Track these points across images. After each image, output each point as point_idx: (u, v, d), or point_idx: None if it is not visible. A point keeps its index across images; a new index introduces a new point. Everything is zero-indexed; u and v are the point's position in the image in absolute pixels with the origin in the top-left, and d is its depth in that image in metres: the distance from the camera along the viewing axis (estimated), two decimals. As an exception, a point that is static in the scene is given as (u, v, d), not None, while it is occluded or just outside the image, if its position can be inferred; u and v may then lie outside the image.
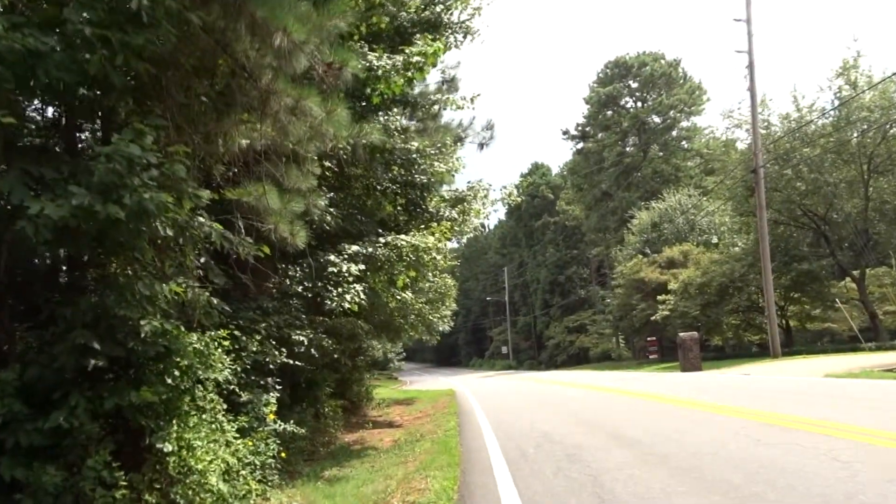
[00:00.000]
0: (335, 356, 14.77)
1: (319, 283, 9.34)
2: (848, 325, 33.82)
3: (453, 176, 12.10)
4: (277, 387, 8.49)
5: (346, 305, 9.01)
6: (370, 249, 9.82)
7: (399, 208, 11.92)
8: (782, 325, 32.35)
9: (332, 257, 9.44)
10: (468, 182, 12.62)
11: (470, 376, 51.44)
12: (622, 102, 56.00)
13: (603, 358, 56.03)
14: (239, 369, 7.66)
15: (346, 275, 9.34)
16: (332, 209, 9.59)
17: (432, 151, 11.41)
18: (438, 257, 10.18)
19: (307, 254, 9.83)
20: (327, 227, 9.60)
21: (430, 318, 16.95)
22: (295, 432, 8.36)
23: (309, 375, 12.24)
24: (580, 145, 60.10)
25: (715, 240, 39.86)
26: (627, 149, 55.12)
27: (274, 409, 8.07)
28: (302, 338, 8.92)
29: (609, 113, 56.38)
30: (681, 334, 24.12)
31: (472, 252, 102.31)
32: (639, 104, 55.41)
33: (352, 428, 15.42)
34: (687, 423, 8.87)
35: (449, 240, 10.85)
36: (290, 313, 9.12)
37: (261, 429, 7.82)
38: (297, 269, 9.51)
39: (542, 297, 71.70)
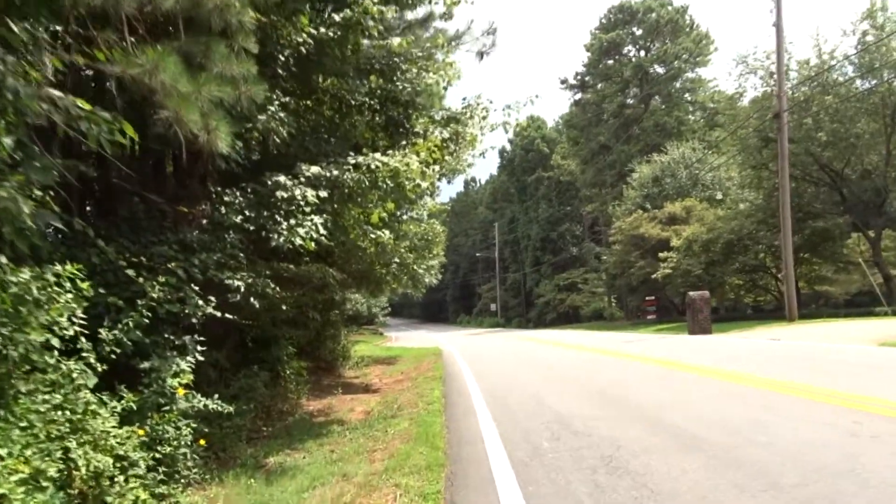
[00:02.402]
0: (299, 309, 12.62)
1: (265, 213, 7.04)
2: (848, 289, 32.00)
3: (445, 90, 9.69)
4: (199, 348, 6.24)
5: (298, 242, 6.72)
6: (335, 172, 7.50)
7: (378, 130, 9.55)
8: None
9: (282, 179, 7.11)
10: (463, 99, 10.20)
11: (457, 333, 49.54)
12: (625, 51, 53.03)
13: (594, 317, 54.34)
14: (132, 324, 5.41)
15: (301, 202, 7.03)
16: (284, 116, 7.22)
17: (419, 54, 8.98)
18: (424, 184, 7.85)
19: (250, 175, 7.51)
20: (278, 142, 7.24)
21: (415, 268, 14.71)
22: (221, 410, 6.14)
23: (259, 333, 10.03)
24: (578, 96, 57.27)
25: (720, 195, 37.64)
26: (628, 100, 52.37)
27: (187, 379, 5.84)
28: (238, 283, 6.63)
29: (610, 62, 53.47)
30: (690, 293, 22.06)
31: (463, 207, 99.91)
32: (642, 53, 52.47)
33: (321, 392, 13.29)
34: (761, 410, 6.54)
35: (437, 162, 8.52)
36: (224, 251, 6.82)
37: (167, 408, 5.60)
38: (237, 194, 7.18)
39: (532, 254, 69.81)
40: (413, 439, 6.53)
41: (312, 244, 6.91)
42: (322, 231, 7.08)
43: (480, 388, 10.16)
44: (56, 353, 4.54)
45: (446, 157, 9.85)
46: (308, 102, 8.97)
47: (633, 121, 51.03)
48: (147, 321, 5.60)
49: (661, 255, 31.91)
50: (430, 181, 8.27)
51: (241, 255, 6.90)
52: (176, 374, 5.70)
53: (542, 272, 67.15)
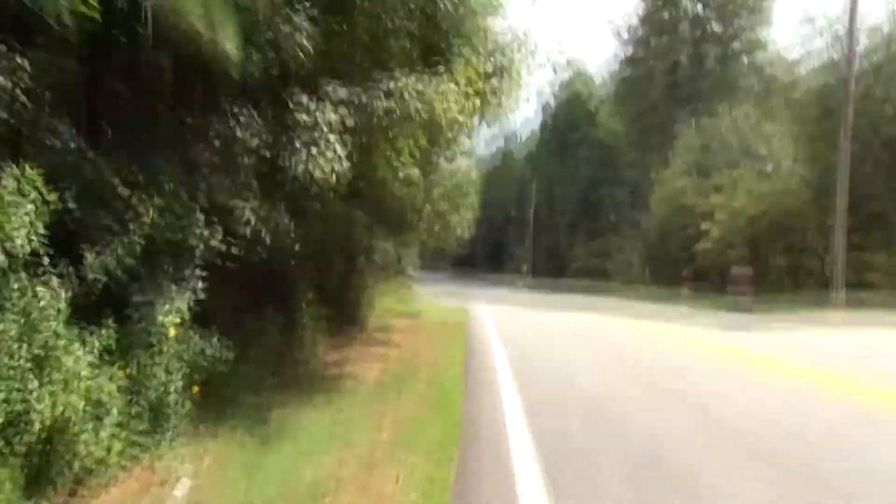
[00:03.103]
0: (322, 249, 11.93)
1: (283, 137, 6.24)
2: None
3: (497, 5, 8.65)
4: (202, 285, 5.54)
5: (318, 174, 5.93)
6: (364, 98, 6.64)
7: (415, 57, 8.61)
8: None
9: (304, 99, 6.28)
10: (509, 29, 9.14)
11: (487, 291, 48.81)
12: (682, 3, 50.34)
13: (627, 287, 53.07)
14: (121, 251, 4.71)
15: (325, 129, 6.21)
16: (310, 27, 6.35)
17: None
18: (461, 118, 6.96)
19: (267, 92, 6.69)
20: (302, 58, 6.38)
21: (448, 217, 13.89)
22: (216, 356, 5.47)
23: (278, 272, 9.34)
24: (630, 50, 54.87)
25: (770, 167, 35.85)
26: (682, 58, 49.97)
27: (182, 318, 5.15)
28: (249, 215, 5.88)
29: (665, 16, 50.91)
30: (734, 269, 20.93)
31: (501, 163, 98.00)
32: (699, 7, 49.79)
33: (340, 342, 12.64)
34: None
35: (479, 95, 7.58)
36: (237, 176, 6.06)
37: (157, 347, 4.93)
38: (254, 112, 6.37)
39: (569, 216, 68.23)
40: (428, 406, 5.81)
41: (334, 178, 6.11)
42: (346, 163, 6.27)
43: (505, 348, 9.36)
44: (22, 274, 3.86)
45: (489, 94, 8.89)
46: (339, 22, 8.06)
47: (686, 81, 48.79)
48: (140, 247, 4.91)
49: (703, 226, 30.59)
50: (468, 115, 7.34)
51: (255, 182, 6.12)
52: (169, 312, 5.00)
53: (576, 237, 65.71)
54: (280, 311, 9.72)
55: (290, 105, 6.34)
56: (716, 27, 49.48)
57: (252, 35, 5.90)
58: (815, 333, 14.00)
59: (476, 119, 8.61)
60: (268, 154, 6.20)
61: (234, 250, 5.90)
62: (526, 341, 11.03)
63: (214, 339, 5.50)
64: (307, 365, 9.52)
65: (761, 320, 17.37)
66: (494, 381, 7.27)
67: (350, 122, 6.48)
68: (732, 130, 38.02)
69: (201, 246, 5.45)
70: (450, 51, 8.61)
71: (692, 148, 39.22)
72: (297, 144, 6.16)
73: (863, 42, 27.02)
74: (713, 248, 29.60)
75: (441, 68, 7.32)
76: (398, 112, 6.64)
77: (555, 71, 12.55)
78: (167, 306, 5.00)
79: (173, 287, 5.21)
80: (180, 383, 5.06)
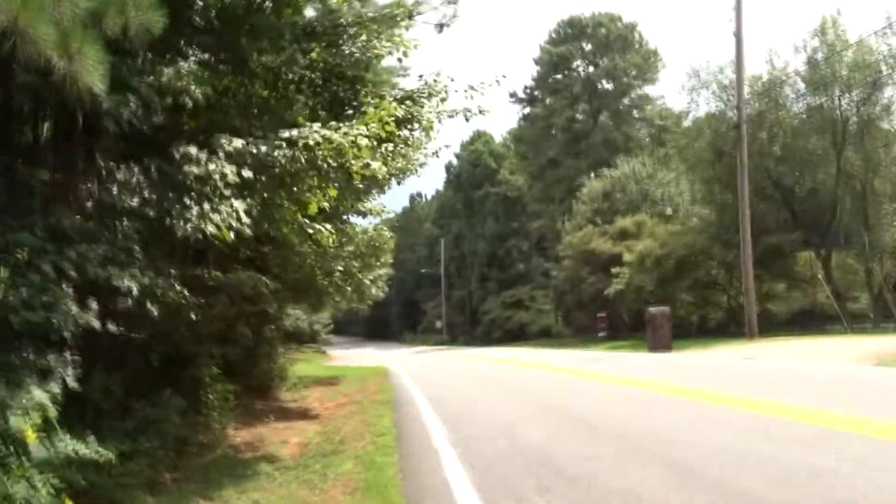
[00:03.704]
0: (227, 323, 10.98)
1: (171, 195, 5.45)
2: (792, 307, 31.54)
3: (400, 61, 8.24)
4: (70, 371, 4.60)
5: (211, 230, 5.17)
6: (264, 148, 5.96)
7: (319, 110, 8.04)
8: (739, 303, 29.99)
9: (193, 151, 5.55)
10: (420, 76, 8.74)
11: (403, 351, 47.92)
12: (574, 65, 52.77)
13: (542, 335, 53.36)
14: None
15: (218, 182, 5.48)
16: (201, 72, 5.67)
17: (371, 15, 7.51)
18: (374, 164, 6.37)
19: (153, 148, 5.91)
20: (189, 103, 5.68)
21: (361, 278, 13.18)
22: (94, 458, 4.51)
23: (175, 350, 8.34)
24: (527, 110, 56.78)
25: (669, 211, 37.24)
26: (577, 115, 52.03)
27: (47, 415, 4.20)
28: (129, 284, 5.01)
29: (559, 76, 53.15)
30: (650, 309, 21.15)
31: (408, 222, 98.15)
32: (591, 68, 52.30)
33: (252, 419, 11.54)
34: (812, 451, 5.15)
35: (391, 139, 7.03)
36: (114, 243, 5.20)
37: (9, 459, 3.96)
38: (135, 169, 5.56)
39: (479, 270, 68.92)
40: (360, 489, 5.00)
41: (231, 235, 5.36)
42: (245, 219, 5.54)
43: (439, 418, 8.63)
44: None
45: (400, 144, 8.40)
46: (234, 72, 7.41)
47: (581, 136, 50.69)
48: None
49: (613, 270, 31.14)
50: (381, 163, 6.77)
51: (137, 248, 5.27)
52: (27, 411, 4.05)
53: (488, 289, 66.17)
54: (179, 391, 8.65)
55: (178, 158, 5.59)
56: (606, 85, 52.00)
57: (129, 79, 5.16)
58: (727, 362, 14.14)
59: (388, 169, 8.04)
60: (151, 214, 5.38)
61: (115, 328, 4.99)
62: (453, 400, 10.36)
63: (91, 438, 4.54)
64: (215, 451, 8.45)
65: (677, 356, 17.45)
66: (430, 447, 6.53)
67: (248, 174, 5.77)
68: (631, 179, 39.46)
69: (71, 326, 4.54)
70: (356, 99, 8.12)
71: (594, 197, 40.35)
72: (188, 202, 5.39)
73: (746, 90, 28.72)
74: (625, 291, 30.09)
75: (350, 112, 6.76)
76: (302, 162, 5.99)
77: (466, 119, 12.20)
78: (25, 404, 4.06)
79: (34, 379, 4.27)
80: (48, 498, 4.08)
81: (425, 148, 11.00)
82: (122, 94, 5.03)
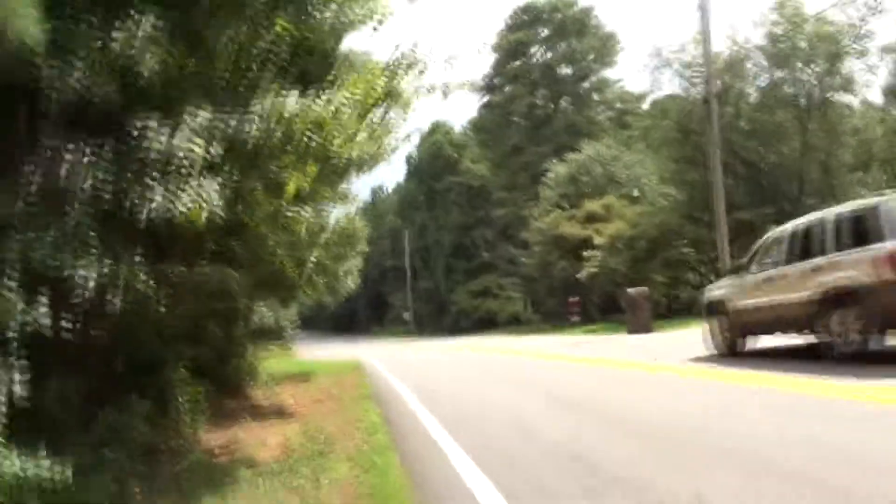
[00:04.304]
0: (195, 322, 10.31)
1: (129, 174, 4.82)
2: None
3: (375, 29, 7.62)
4: (17, 378, 3.96)
5: (181, 210, 4.56)
6: (234, 122, 5.35)
7: (289, 88, 7.40)
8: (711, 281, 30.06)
9: (153, 124, 4.91)
10: (396, 47, 8.13)
11: (373, 344, 47.16)
12: (532, 51, 52.47)
13: (511, 322, 53.20)
14: None
15: (184, 160, 4.86)
16: (151, 31, 5.02)
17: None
18: (361, 137, 5.79)
19: (106, 123, 5.24)
20: (144, 72, 5.02)
21: (335, 269, 12.58)
22: (51, 476, 3.89)
23: (140, 352, 7.68)
24: (486, 98, 56.35)
25: (636, 192, 37.21)
26: (538, 101, 51.80)
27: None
28: (86, 274, 4.37)
29: (518, 63, 52.79)
30: (629, 290, 20.91)
31: (371, 216, 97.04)
32: (549, 54, 52.07)
33: (225, 420, 10.86)
34: None
35: (381, 104, 6.44)
36: (65, 230, 4.55)
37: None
38: (88, 148, 4.90)
39: (444, 260, 68.55)
40: (362, 497, 4.45)
41: (202, 217, 4.75)
42: (217, 201, 4.93)
43: (433, 413, 8.07)
44: None
45: (379, 124, 7.79)
46: (192, 52, 6.71)
47: (543, 122, 50.50)
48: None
49: (585, 253, 30.94)
50: (368, 134, 6.17)
51: (92, 234, 4.62)
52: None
53: (455, 279, 65.87)
54: (146, 395, 8.01)
55: (136, 133, 4.94)
56: (565, 70, 51.88)
57: (73, 42, 4.51)
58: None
59: (376, 143, 7.40)
60: (107, 196, 4.74)
61: (69, 326, 4.35)
62: (444, 393, 9.86)
63: (43, 455, 3.92)
64: (188, 457, 7.81)
65: (663, 336, 17.24)
66: (432, 445, 5.99)
67: (217, 152, 5.15)
68: (596, 162, 39.34)
69: (16, 325, 3.90)
70: (330, 74, 7.50)
71: (560, 182, 40.15)
72: (149, 181, 4.76)
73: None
74: (598, 274, 29.94)
75: (332, 78, 6.15)
76: (278, 137, 5.39)
77: (445, 95, 11.57)
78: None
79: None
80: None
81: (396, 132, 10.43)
82: (66, 60, 4.37)
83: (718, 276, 16.97)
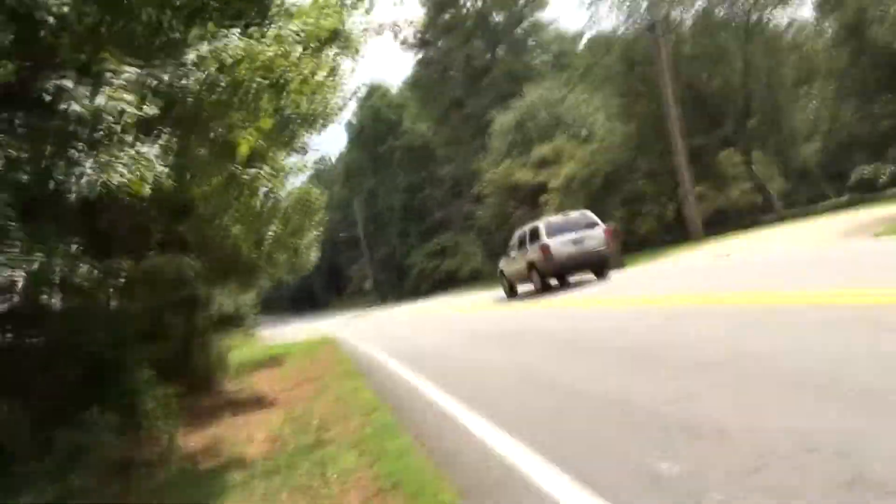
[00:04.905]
0: (154, 317, 9.46)
1: (48, 147, 3.94)
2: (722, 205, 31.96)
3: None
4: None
5: (118, 181, 3.72)
6: (167, 76, 4.48)
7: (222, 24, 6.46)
8: (674, 212, 30.03)
9: (69, 84, 4.02)
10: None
11: (337, 318, 46.22)
12: (462, 2, 51.12)
13: (472, 278, 52.80)
14: None
15: (113, 123, 4.00)
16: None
17: None
18: (320, 75, 4.97)
19: (14, 86, 4.33)
20: (51, 19, 4.11)
21: (296, 242, 11.74)
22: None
23: (96, 358, 6.80)
24: (421, 55, 54.94)
25: (584, 132, 36.80)
26: (474, 52, 50.69)
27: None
28: (12, 272, 3.54)
29: (447, 16, 51.41)
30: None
31: (317, 187, 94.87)
32: (479, 2, 50.81)
33: (202, 419, 10.05)
34: None
35: (336, 40, 5.60)
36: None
37: None
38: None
39: (398, 224, 67.57)
40: (385, 491, 3.76)
41: (145, 187, 3.92)
42: (160, 167, 4.10)
43: (432, 381, 7.34)
44: None
45: (329, 69, 6.92)
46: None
47: (482, 72, 49.48)
48: None
49: (541, 198, 30.50)
50: (328, 71, 5.33)
51: (12, 224, 3.76)
52: None
53: (410, 242, 65.07)
54: (109, 405, 7.18)
55: (48, 98, 4.05)
56: (497, 18, 50.81)
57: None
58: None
59: (323, 94, 6.53)
60: (25, 177, 3.86)
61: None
62: (433, 359, 9.24)
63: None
64: (168, 467, 7.04)
65: (640, 270, 16.94)
66: (448, 418, 5.33)
67: (152, 111, 4.29)
68: (540, 107, 38.70)
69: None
70: (266, 17, 6.58)
71: (507, 130, 39.47)
72: (74, 153, 3.90)
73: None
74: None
75: (278, 9, 5.27)
76: (222, 88, 4.54)
77: (395, 35, 10.59)
78: None
79: None
80: None
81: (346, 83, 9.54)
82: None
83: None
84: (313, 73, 4.82)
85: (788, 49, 29.20)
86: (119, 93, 3.99)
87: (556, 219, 17.45)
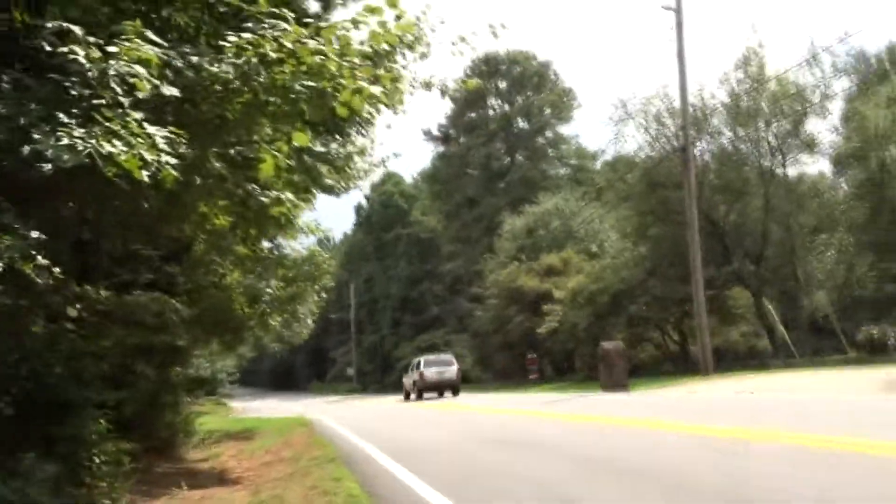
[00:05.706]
0: (123, 359, 8.40)
1: (33, 106, 3.12)
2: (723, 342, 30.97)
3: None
4: None
5: (110, 150, 2.87)
6: (195, 59, 3.73)
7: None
8: (678, 342, 29.12)
9: (72, 27, 3.24)
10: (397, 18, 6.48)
11: (316, 401, 44.41)
12: (489, 103, 52.25)
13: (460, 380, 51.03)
14: None
15: (120, 93, 3.20)
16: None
17: None
18: (376, 89, 4.18)
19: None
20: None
21: (296, 305, 10.80)
22: None
23: (48, 393, 5.76)
24: (441, 148, 55.67)
25: (594, 248, 36.42)
26: (494, 153, 51.38)
27: None
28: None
29: (474, 114, 52.44)
30: (604, 344, 19.43)
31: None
32: (506, 106, 51.93)
33: (155, 486, 8.74)
34: None
35: (394, 55, 4.82)
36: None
37: None
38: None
39: (391, 314, 66.40)
40: None
41: (142, 173, 3.06)
42: (166, 154, 3.26)
43: (431, 483, 6.22)
44: None
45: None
46: None
47: (499, 174, 49.95)
48: None
49: (545, 307, 29.65)
50: (384, 85, 4.51)
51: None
52: None
53: (401, 334, 63.67)
54: (52, 455, 6.08)
55: (42, 55, 3.27)
56: (521, 123, 51.79)
57: None
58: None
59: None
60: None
61: None
62: (431, 456, 8.12)
63: None
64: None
65: (652, 396, 15.80)
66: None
67: (171, 91, 3.50)
68: (554, 215, 38.56)
69: None
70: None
71: (517, 234, 39.16)
72: (63, 116, 3.07)
73: (670, 123, 28.07)
74: (557, 329, 28.64)
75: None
76: (260, 79, 3.77)
77: (443, 94, 9.75)
78: None
79: None
80: None
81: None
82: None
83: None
84: (375, 79, 4.03)
85: (810, 195, 29.15)
86: (133, 53, 3.20)
87: (431, 357, 30.36)
